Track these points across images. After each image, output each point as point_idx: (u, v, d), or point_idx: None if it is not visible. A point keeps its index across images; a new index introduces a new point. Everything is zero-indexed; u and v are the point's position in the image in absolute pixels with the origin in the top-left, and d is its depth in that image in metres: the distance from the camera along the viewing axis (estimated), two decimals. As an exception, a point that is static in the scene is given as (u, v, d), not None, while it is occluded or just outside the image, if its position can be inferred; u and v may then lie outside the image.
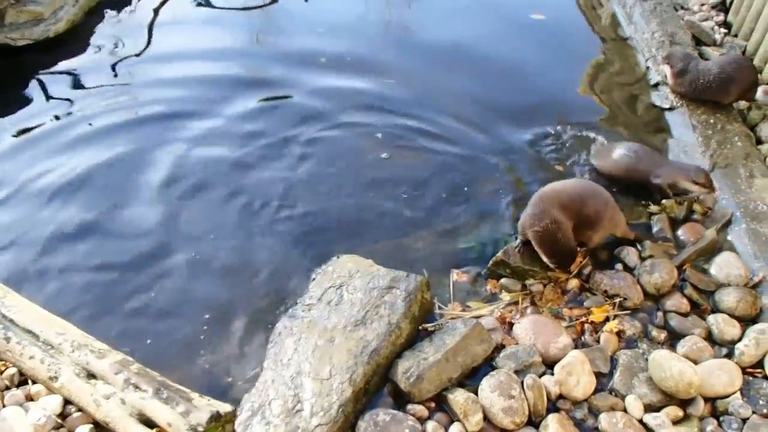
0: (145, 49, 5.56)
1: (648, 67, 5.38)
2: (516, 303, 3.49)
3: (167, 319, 3.47)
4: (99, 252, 3.79)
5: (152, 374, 2.85)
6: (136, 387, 2.76)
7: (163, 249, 3.82)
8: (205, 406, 2.72)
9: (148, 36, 5.71)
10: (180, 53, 5.48)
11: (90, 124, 4.66)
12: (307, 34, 5.78)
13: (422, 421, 2.95)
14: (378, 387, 3.09)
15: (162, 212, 4.03)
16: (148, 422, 2.71)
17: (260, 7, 6.22)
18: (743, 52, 5.44)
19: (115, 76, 5.20)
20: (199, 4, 6.19)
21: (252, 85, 5.14)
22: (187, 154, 4.46)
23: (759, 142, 4.59)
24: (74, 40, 5.56)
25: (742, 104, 4.86)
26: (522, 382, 3.02)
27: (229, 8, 6.15)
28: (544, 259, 3.50)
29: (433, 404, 3.03)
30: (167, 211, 4.04)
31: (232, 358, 3.29)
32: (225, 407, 2.77)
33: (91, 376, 2.85)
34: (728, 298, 3.47)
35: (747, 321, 3.42)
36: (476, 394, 3.00)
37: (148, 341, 3.35)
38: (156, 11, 6.04)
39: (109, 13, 5.95)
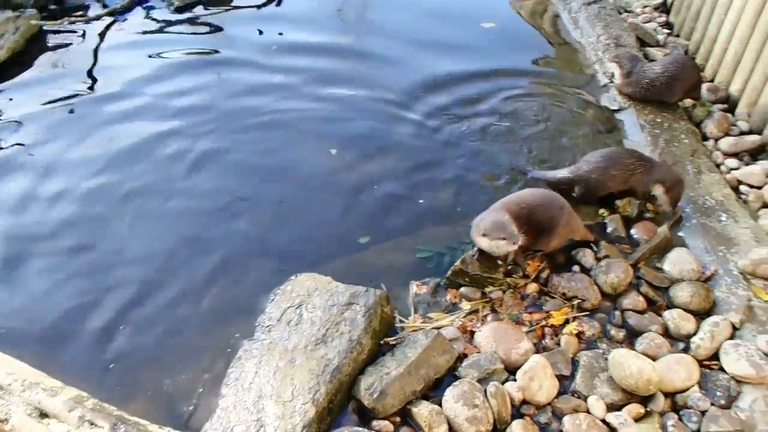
0: (90, 72, 5.50)
1: (596, 70, 5.48)
2: (476, 311, 3.50)
3: (122, 350, 3.39)
4: (44, 281, 3.72)
5: (109, 409, 2.79)
6: (92, 423, 2.69)
7: (111, 275, 3.76)
8: (165, 438, 2.66)
9: (93, 60, 5.64)
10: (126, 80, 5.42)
11: (31, 155, 4.60)
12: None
13: (388, 436, 2.93)
14: (342, 405, 3.06)
15: (106, 233, 4.02)
16: (106, 458, 2.64)
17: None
18: (686, 52, 5.59)
19: (59, 103, 5.12)
20: (145, 32, 6.13)
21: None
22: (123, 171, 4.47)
23: (705, 138, 4.71)
24: (16, 65, 5.51)
25: (688, 102, 4.98)
26: (485, 391, 3.02)
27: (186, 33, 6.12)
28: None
29: (398, 419, 3.01)
30: (112, 232, 4.03)
31: (191, 386, 3.22)
32: (186, 437, 2.72)
33: (43, 415, 2.77)
34: (682, 293, 3.53)
35: (701, 314, 3.48)
36: (440, 405, 2.99)
37: (104, 374, 3.27)
38: (101, 36, 5.97)
39: (53, 39, 5.86)
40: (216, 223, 4.11)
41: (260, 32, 6.14)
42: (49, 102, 5.11)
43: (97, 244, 3.95)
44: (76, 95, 5.21)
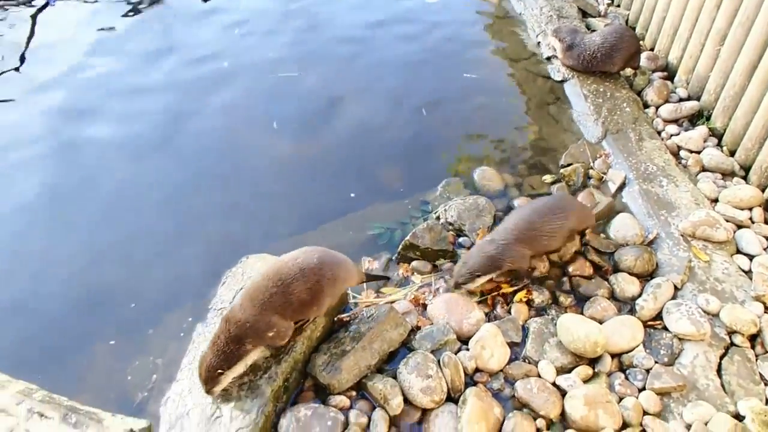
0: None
1: (539, 42, 5.54)
2: (428, 285, 3.54)
3: (72, 338, 3.34)
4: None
5: (59, 400, 2.74)
6: (41, 415, 2.64)
7: (59, 267, 3.69)
8: (119, 425, 2.65)
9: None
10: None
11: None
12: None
13: (344, 410, 2.95)
14: (298, 383, 3.08)
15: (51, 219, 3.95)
16: (58, 450, 2.60)
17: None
18: (626, 21, 5.69)
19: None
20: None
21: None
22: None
23: (646, 106, 4.83)
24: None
25: (629, 71, 5.08)
26: (439, 361, 3.07)
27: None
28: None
29: (353, 393, 3.04)
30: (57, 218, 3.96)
31: (146, 373, 3.19)
32: (140, 423, 2.70)
33: (-10, 410, 2.70)
34: (627, 257, 3.64)
35: (645, 277, 3.59)
36: (395, 378, 3.03)
37: (54, 364, 3.21)
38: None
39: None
40: (166, 204, 4.05)
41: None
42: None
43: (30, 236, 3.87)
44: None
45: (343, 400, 2.98)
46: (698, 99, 4.70)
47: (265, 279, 2.96)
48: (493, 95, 5.04)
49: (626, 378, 3.15)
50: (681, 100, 4.78)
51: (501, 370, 3.16)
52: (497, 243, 3.44)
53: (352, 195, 4.11)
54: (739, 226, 3.85)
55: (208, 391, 2.84)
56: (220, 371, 2.81)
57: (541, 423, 2.94)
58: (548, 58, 5.33)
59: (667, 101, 4.79)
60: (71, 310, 3.47)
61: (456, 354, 3.14)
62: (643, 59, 5.09)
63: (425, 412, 2.97)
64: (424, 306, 3.43)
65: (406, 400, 2.98)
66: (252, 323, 2.86)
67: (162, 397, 3.04)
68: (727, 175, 4.21)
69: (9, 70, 5.21)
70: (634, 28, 5.48)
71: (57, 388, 2.86)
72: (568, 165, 4.28)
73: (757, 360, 3.21)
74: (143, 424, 2.70)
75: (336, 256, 3.15)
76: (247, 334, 2.86)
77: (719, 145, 4.41)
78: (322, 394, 3.04)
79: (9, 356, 3.20)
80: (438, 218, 3.91)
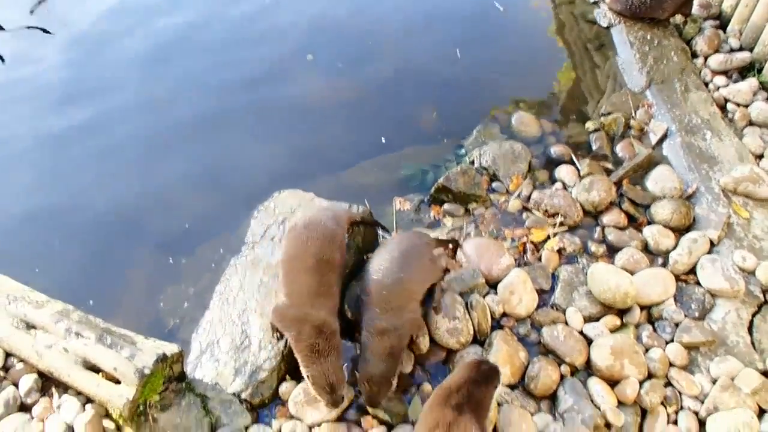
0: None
1: (587, -15, 5.32)
2: (459, 228, 3.52)
3: (108, 264, 3.42)
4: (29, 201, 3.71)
5: (95, 321, 2.81)
6: (78, 335, 2.72)
7: (99, 196, 3.75)
8: (151, 349, 2.70)
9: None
10: None
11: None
12: None
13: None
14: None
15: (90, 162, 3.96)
16: (94, 368, 2.69)
17: None
18: (680, -34, 5.42)
19: None
20: None
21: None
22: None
23: (694, 56, 4.64)
24: None
25: (678, 19, 4.86)
26: (467, 304, 3.08)
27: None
28: None
29: (380, 330, 3.07)
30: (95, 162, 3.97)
31: (178, 301, 3.27)
32: (172, 348, 2.76)
33: (30, 327, 2.80)
34: (663, 210, 3.56)
35: (681, 231, 3.53)
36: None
37: (90, 288, 3.30)
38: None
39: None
40: (199, 139, 4.05)
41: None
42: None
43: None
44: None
45: (368, 336, 3.01)
46: (751, 50, 4.49)
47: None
48: (534, 38, 4.89)
49: (654, 330, 3.14)
50: (732, 50, 4.57)
51: (528, 316, 3.16)
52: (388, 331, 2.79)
53: (385, 137, 4.05)
54: (784, 184, 3.74)
55: None
56: None
57: (565, 369, 2.95)
58: (595, 2, 5.11)
59: (717, 51, 4.58)
60: (109, 238, 3.55)
61: (484, 298, 3.14)
62: (695, 6, 4.85)
63: (450, 352, 3.00)
64: (455, 249, 3.42)
65: (433, 341, 3.01)
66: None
67: (193, 325, 3.12)
68: (775, 130, 4.06)
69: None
70: (687, -26, 5.22)
71: (92, 311, 2.93)
72: (609, 114, 4.15)
73: (791, 319, 3.17)
74: (175, 348, 2.77)
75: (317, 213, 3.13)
76: None
77: (769, 99, 4.24)
78: (350, 328, 3.06)
79: (48, 278, 3.28)
80: (472, 162, 3.86)
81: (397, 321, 2.80)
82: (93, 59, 4.63)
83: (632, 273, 3.28)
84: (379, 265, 2.94)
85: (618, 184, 3.73)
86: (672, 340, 3.08)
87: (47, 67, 4.55)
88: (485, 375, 2.59)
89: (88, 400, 2.71)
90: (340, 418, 2.77)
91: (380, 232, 3.48)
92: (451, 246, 3.36)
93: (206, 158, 3.94)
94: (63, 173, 3.88)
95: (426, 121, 4.19)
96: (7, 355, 2.82)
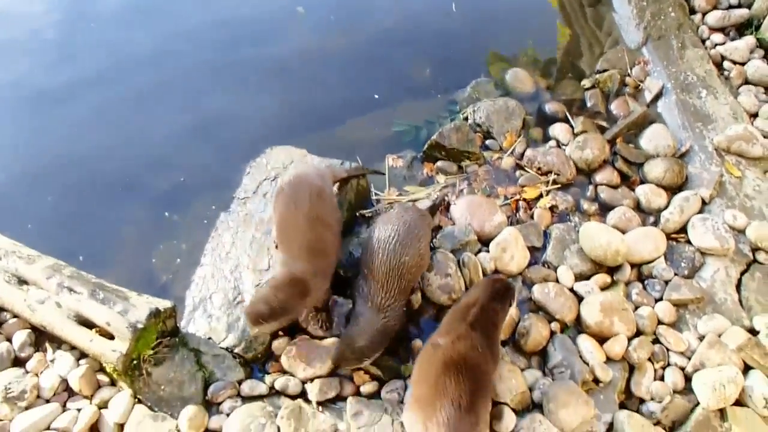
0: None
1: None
2: (452, 185, 3.51)
3: (99, 221, 3.40)
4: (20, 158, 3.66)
5: (87, 277, 2.81)
6: (71, 290, 2.71)
7: (90, 153, 3.69)
8: (144, 304, 2.71)
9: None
10: None
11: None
12: None
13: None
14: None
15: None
16: (87, 324, 2.69)
17: None
18: None
19: None
20: None
21: None
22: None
23: (692, 11, 4.56)
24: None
25: (678, -27, 4.77)
26: (459, 261, 3.09)
27: None
28: None
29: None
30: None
31: (170, 257, 3.27)
32: (164, 303, 2.77)
33: (22, 282, 2.79)
34: (656, 168, 3.56)
35: (673, 190, 3.53)
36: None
37: (83, 245, 3.28)
38: None
39: None
40: (188, 95, 3.98)
41: None
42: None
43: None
44: None
45: (360, 293, 3.03)
46: (749, 7, 4.42)
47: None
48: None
49: (644, 288, 3.17)
50: (731, 7, 4.50)
51: (520, 273, 3.18)
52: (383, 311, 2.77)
53: (378, 93, 4.00)
54: (777, 143, 3.73)
55: None
56: None
57: (555, 326, 2.98)
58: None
59: (715, 8, 4.52)
60: (100, 195, 3.52)
61: (476, 255, 3.16)
62: (695, -39, 4.77)
63: (442, 308, 3.02)
64: (447, 206, 3.42)
65: (424, 297, 3.03)
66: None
67: (185, 281, 3.12)
68: (771, 89, 4.04)
69: None
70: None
71: (84, 267, 2.93)
72: (604, 71, 4.11)
73: (778, 277, 3.20)
74: (167, 304, 2.78)
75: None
76: None
77: (766, 57, 4.19)
78: (343, 283, 3.07)
79: (40, 235, 3.27)
80: (466, 119, 3.82)
81: (397, 305, 2.79)
82: (82, 15, 4.49)
83: (624, 231, 3.29)
84: (384, 241, 2.80)
85: (612, 142, 3.72)
86: (661, 298, 3.11)
87: (36, 25, 4.42)
88: (499, 293, 2.70)
89: (82, 355, 2.73)
90: (332, 373, 2.80)
91: (373, 190, 3.45)
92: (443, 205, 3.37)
93: (197, 114, 3.87)
94: (54, 130, 3.80)
95: (419, 76, 4.12)
96: (0, 310, 2.82)
